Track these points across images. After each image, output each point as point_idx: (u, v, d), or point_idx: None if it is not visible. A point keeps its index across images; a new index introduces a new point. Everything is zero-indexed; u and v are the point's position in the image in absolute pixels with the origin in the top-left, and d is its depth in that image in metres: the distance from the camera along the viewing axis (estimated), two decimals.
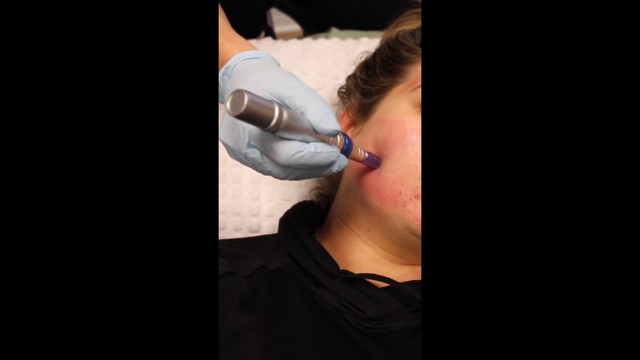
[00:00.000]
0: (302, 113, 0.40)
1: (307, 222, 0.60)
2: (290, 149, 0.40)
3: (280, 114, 0.36)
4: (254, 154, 0.42)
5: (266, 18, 1.01)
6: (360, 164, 0.53)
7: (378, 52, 0.61)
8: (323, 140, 0.42)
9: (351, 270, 0.54)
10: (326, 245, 0.57)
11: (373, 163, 0.52)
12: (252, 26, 0.94)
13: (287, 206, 0.64)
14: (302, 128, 0.39)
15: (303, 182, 0.73)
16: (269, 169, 0.42)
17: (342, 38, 0.82)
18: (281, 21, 1.26)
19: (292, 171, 0.43)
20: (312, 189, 0.70)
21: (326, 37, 0.83)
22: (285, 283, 0.54)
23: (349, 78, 0.64)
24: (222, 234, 0.74)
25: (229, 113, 0.34)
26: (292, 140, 0.40)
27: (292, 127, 0.38)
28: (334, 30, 0.86)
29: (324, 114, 0.41)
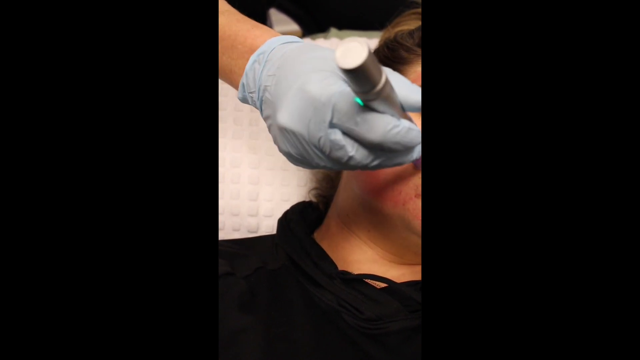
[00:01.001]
0: None
1: (306, 222, 0.60)
2: (388, 122, 0.35)
3: (387, 78, 0.32)
4: (336, 135, 0.36)
5: (266, 18, 1.01)
6: None
7: (376, 52, 0.61)
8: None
9: (350, 271, 0.54)
10: (325, 246, 0.57)
11: (419, 163, 0.48)
12: None
13: (286, 206, 0.64)
14: (397, 102, 0.35)
15: (302, 182, 0.73)
16: (351, 153, 0.37)
17: (341, 38, 0.82)
18: (280, 21, 1.26)
19: (378, 154, 0.37)
20: (311, 190, 0.70)
21: (325, 38, 0.83)
22: (284, 284, 0.54)
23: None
24: (221, 235, 0.74)
25: (341, 68, 0.29)
26: (385, 114, 0.35)
27: (391, 99, 0.34)
28: (333, 30, 0.86)
29: (410, 86, 0.37)
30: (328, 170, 0.68)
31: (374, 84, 0.31)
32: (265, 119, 0.42)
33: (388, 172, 0.51)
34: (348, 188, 0.57)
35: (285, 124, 0.38)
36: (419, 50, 0.56)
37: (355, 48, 0.29)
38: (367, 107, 0.34)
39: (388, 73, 0.36)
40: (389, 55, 0.58)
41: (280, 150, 0.40)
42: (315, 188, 0.69)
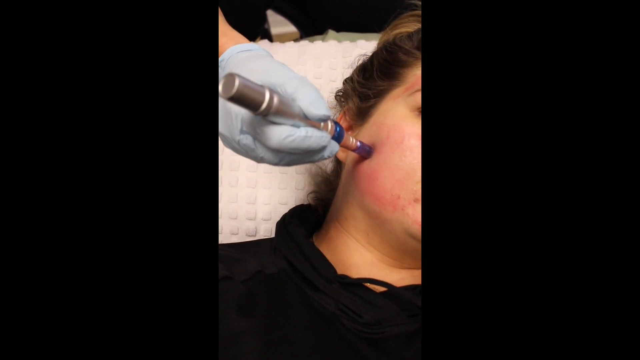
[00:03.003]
0: (293, 100, 0.41)
1: (305, 226, 0.60)
2: (282, 133, 0.40)
3: (271, 97, 0.37)
4: (247, 140, 0.43)
5: (266, 18, 1.01)
6: (358, 168, 0.53)
7: (375, 55, 0.61)
8: (314, 126, 0.43)
9: (349, 275, 0.54)
10: (324, 249, 0.56)
11: (365, 152, 0.52)
12: (253, 26, 0.93)
13: (284, 210, 0.64)
14: (293, 113, 0.40)
15: (300, 185, 0.73)
16: (261, 155, 0.43)
17: (339, 40, 0.81)
18: (277, 23, 1.25)
19: (284, 156, 0.43)
20: (310, 193, 0.69)
21: (323, 40, 0.83)
22: (283, 287, 0.53)
23: (346, 81, 0.64)
24: (219, 239, 0.73)
25: (220, 96, 0.35)
26: (284, 124, 0.41)
27: (282, 112, 0.39)
28: (331, 32, 0.86)
29: (314, 99, 0.42)
30: (326, 174, 0.68)
31: (258, 104, 0.37)
32: None
33: (387, 176, 0.50)
34: (347, 192, 0.57)
35: (220, 128, 0.45)
36: (418, 53, 0.56)
37: (230, 81, 0.34)
38: (265, 120, 0.40)
39: (299, 86, 0.42)
40: (388, 58, 0.58)
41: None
42: (313, 191, 0.69)
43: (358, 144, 0.51)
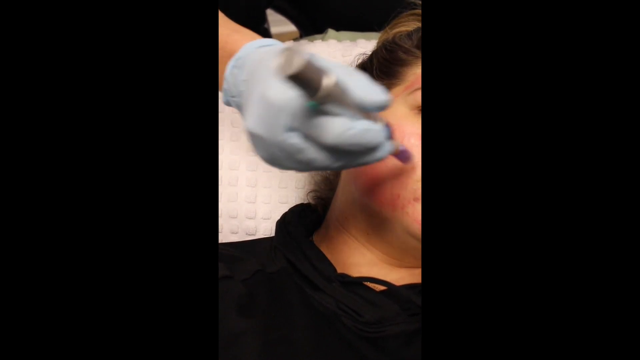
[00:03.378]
0: (343, 89, 0.35)
1: (305, 225, 0.60)
2: (341, 125, 0.35)
3: (334, 80, 0.31)
4: (294, 138, 0.36)
5: (265, 18, 1.01)
6: (358, 167, 0.52)
7: (375, 54, 0.61)
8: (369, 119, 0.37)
9: (349, 274, 0.54)
10: (324, 249, 0.56)
11: (405, 158, 0.48)
12: (253, 26, 0.93)
13: (284, 209, 0.64)
14: (350, 102, 0.35)
15: (300, 184, 0.73)
16: (312, 156, 0.37)
17: (339, 40, 0.81)
18: (277, 22, 1.25)
19: (339, 156, 0.37)
20: (310, 192, 0.69)
21: (322, 39, 0.83)
22: (283, 286, 0.53)
23: None
24: (219, 238, 0.73)
25: (280, 73, 0.29)
26: (341, 116, 0.35)
27: (342, 99, 0.33)
28: (331, 31, 0.86)
29: (369, 86, 0.37)
30: (326, 173, 0.68)
31: (315, 89, 0.31)
32: (245, 121, 0.41)
33: (386, 175, 0.50)
34: (347, 191, 0.57)
35: (251, 129, 0.38)
36: (418, 52, 0.56)
37: (291, 56, 0.29)
38: (320, 111, 0.34)
39: (347, 74, 0.36)
40: (387, 57, 0.58)
41: (256, 153, 0.40)
42: (313, 190, 0.69)
43: (401, 147, 0.46)
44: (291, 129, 0.36)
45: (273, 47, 0.43)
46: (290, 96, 0.35)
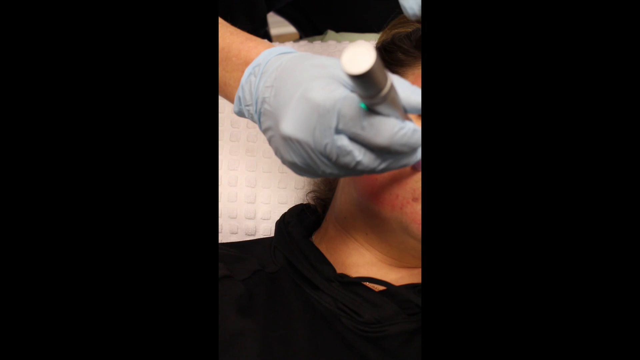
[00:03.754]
0: None
1: (304, 225, 0.60)
2: (394, 125, 0.35)
3: (392, 81, 0.31)
4: (342, 140, 0.36)
5: (267, 23, 1.01)
6: None
7: None
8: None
9: (348, 274, 0.54)
10: (323, 249, 0.56)
11: (418, 165, 0.46)
12: (255, 29, 0.94)
13: (284, 209, 0.64)
14: (400, 104, 0.35)
15: (300, 184, 0.73)
16: (359, 158, 0.36)
17: (338, 41, 0.82)
18: (277, 24, 1.25)
19: (386, 157, 0.37)
20: (309, 192, 0.69)
21: (322, 40, 0.83)
22: (282, 286, 0.54)
23: None
24: (219, 238, 0.73)
25: (348, 73, 0.29)
26: (391, 116, 0.35)
27: (395, 101, 0.33)
28: (330, 32, 0.86)
29: (412, 88, 0.37)
30: None
31: (380, 88, 0.31)
32: (265, 130, 0.41)
33: (385, 175, 0.51)
34: (346, 191, 0.57)
35: (289, 133, 0.37)
36: (417, 53, 0.56)
37: (362, 53, 0.28)
38: (372, 111, 0.34)
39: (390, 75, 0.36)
40: (386, 57, 0.58)
41: (284, 161, 0.40)
42: (313, 191, 0.69)
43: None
44: (339, 131, 0.36)
45: (296, 54, 0.42)
46: (340, 96, 0.35)
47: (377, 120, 0.34)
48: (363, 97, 0.32)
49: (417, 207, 0.49)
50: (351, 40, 0.82)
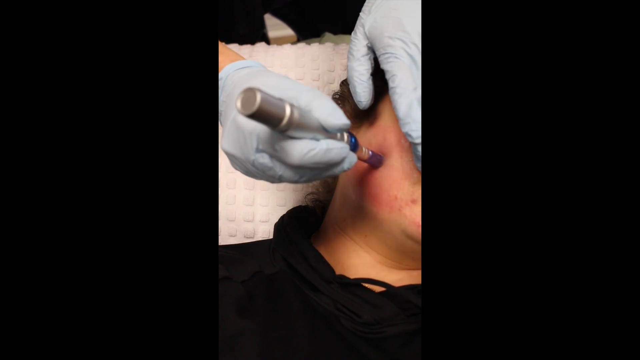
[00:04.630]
0: (309, 112, 0.39)
1: (303, 227, 0.60)
2: (303, 148, 0.38)
3: (292, 111, 0.35)
4: (263, 158, 0.40)
5: (264, 25, 1.01)
6: (358, 168, 0.53)
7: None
8: (332, 138, 0.41)
9: (347, 275, 0.54)
10: (322, 251, 0.56)
11: (376, 162, 0.51)
12: (251, 30, 0.94)
13: (282, 211, 0.64)
14: (312, 126, 0.38)
15: (298, 187, 0.73)
16: (280, 173, 0.41)
17: (336, 43, 0.82)
18: (275, 26, 1.26)
19: (304, 172, 0.41)
20: (308, 194, 0.69)
21: (320, 42, 0.83)
22: (282, 288, 0.53)
23: (342, 84, 0.64)
24: (218, 240, 0.73)
25: (240, 112, 0.33)
26: (303, 139, 0.39)
27: (302, 126, 0.37)
28: (328, 34, 0.86)
29: (331, 109, 0.40)
30: None
31: (279, 119, 0.34)
32: None
33: (384, 178, 0.51)
34: (344, 193, 0.57)
35: (226, 149, 0.42)
36: None
37: (249, 96, 0.32)
38: (284, 135, 0.38)
39: (313, 98, 0.40)
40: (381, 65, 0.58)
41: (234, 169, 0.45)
42: (311, 193, 0.69)
43: (370, 153, 0.50)
44: (260, 151, 0.40)
45: (252, 69, 0.46)
46: (256, 124, 0.39)
47: (287, 143, 0.39)
48: (268, 127, 0.37)
49: (416, 209, 0.49)
50: (349, 42, 0.82)
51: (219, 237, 0.73)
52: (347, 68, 0.53)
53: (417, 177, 0.50)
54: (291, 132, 0.37)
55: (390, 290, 0.51)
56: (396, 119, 0.52)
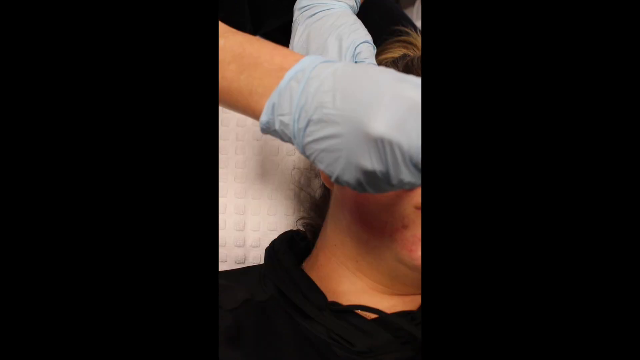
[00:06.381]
0: None
1: (294, 252, 0.60)
2: None
3: None
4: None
5: None
6: (346, 194, 0.52)
7: None
8: None
9: (339, 302, 0.53)
10: (314, 276, 0.56)
11: None
12: None
13: (274, 236, 0.64)
14: None
15: (290, 211, 0.73)
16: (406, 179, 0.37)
17: None
18: None
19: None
20: (299, 219, 0.69)
21: None
22: (273, 316, 0.53)
23: None
24: None
25: None
26: None
27: None
28: None
29: None
30: (315, 200, 0.68)
31: None
32: (322, 139, 0.38)
33: (375, 202, 0.50)
34: (336, 218, 0.56)
35: (382, 133, 0.35)
36: None
37: None
38: None
39: None
40: None
41: (363, 168, 0.37)
42: (303, 217, 0.69)
43: None
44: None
45: (347, 62, 0.41)
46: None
47: None
48: None
49: (407, 234, 0.49)
50: None
51: None
52: None
53: (409, 201, 0.49)
54: None
55: (383, 317, 0.51)
56: None
